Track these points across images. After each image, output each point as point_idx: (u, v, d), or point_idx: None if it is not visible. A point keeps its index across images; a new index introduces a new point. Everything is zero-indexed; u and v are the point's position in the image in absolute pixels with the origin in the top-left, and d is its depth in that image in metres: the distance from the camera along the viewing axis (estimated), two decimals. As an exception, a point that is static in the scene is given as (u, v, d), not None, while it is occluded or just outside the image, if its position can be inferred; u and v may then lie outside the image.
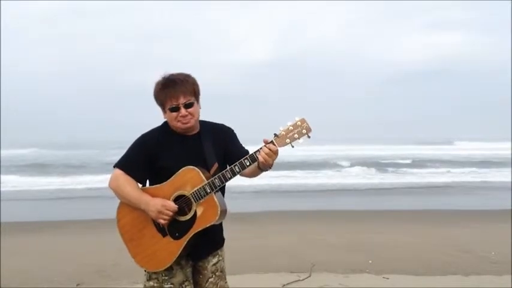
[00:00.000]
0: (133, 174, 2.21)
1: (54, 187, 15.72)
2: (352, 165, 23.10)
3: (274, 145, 2.05)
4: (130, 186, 2.19)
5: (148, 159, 2.21)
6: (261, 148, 2.07)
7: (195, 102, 2.21)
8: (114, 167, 2.25)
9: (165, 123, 2.29)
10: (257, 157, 2.07)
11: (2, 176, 17.53)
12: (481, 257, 5.57)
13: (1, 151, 32.03)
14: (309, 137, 2.04)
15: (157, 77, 2.20)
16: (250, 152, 2.16)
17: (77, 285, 4.72)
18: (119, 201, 2.28)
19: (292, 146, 2.05)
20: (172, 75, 2.19)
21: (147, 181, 2.29)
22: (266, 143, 2.07)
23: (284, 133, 2.05)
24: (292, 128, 2.04)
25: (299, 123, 2.04)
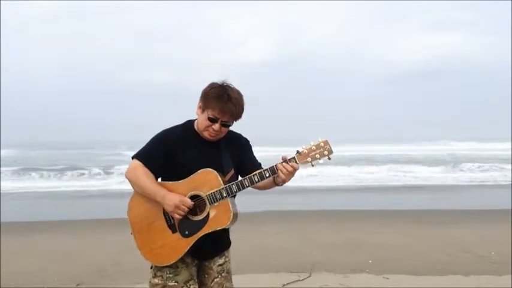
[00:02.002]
0: (151, 167, 2.24)
1: (51, 188, 15.70)
2: (351, 165, 23.08)
3: (296, 162, 2.10)
4: (148, 178, 2.22)
5: (166, 154, 2.24)
6: (281, 163, 2.11)
7: (231, 125, 2.27)
8: (132, 157, 2.28)
9: (188, 122, 2.34)
10: (277, 171, 2.10)
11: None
12: (481, 257, 5.58)
13: (1, 151, 32.06)
14: (329, 158, 2.08)
15: (216, 79, 2.24)
16: (263, 166, 2.21)
17: (77, 285, 4.72)
18: (131, 193, 2.30)
19: (312, 165, 2.10)
20: (231, 89, 2.20)
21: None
22: (285, 159, 2.11)
23: (306, 151, 2.10)
24: (314, 147, 2.09)
25: (322, 144, 2.09)
